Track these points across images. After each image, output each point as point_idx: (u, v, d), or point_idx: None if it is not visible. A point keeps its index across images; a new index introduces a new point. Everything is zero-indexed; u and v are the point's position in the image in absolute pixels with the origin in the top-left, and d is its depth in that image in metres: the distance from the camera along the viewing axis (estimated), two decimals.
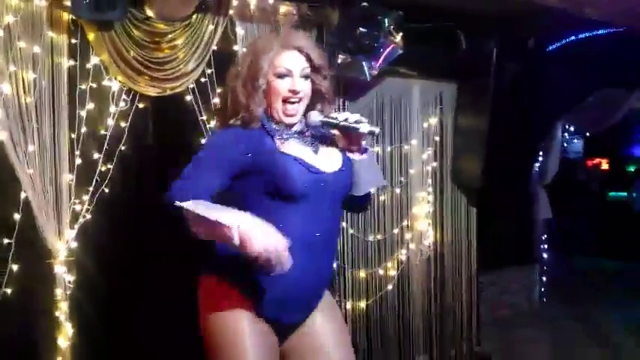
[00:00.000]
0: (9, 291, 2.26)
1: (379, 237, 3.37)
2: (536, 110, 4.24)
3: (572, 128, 5.71)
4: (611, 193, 8.97)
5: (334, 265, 1.81)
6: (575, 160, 9.24)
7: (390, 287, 3.40)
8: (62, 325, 2.37)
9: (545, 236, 5.50)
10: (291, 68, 1.59)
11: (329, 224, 1.64)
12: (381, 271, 3.37)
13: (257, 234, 1.30)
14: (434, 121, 3.58)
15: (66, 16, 2.36)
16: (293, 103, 1.60)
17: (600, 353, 3.84)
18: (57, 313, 2.36)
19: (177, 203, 1.40)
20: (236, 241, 1.30)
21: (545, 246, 5.47)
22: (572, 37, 3.94)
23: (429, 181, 3.58)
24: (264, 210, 1.48)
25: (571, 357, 3.81)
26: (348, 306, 3.23)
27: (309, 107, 1.67)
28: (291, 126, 1.64)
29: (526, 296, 5.21)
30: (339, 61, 2.79)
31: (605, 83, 4.30)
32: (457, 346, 3.75)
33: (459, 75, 3.55)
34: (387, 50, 2.80)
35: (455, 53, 3.37)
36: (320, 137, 1.69)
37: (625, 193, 8.64)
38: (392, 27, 2.82)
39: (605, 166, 10.24)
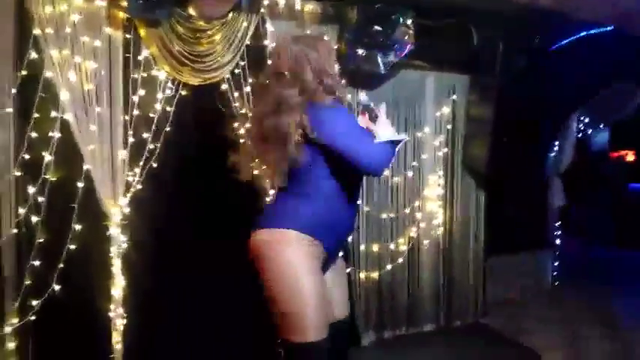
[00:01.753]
0: (72, 247, 2.70)
1: (392, 215, 3.70)
2: (548, 102, 4.44)
3: (586, 119, 5.85)
4: (633, 185, 9.00)
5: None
6: (599, 152, 9.27)
7: (400, 260, 3.73)
8: (115, 278, 2.80)
9: (560, 223, 5.66)
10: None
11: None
12: (392, 246, 3.70)
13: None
14: (446, 110, 3.87)
15: (121, 15, 2.74)
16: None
17: (606, 335, 3.91)
18: (111, 268, 2.79)
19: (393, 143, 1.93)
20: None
21: (559, 232, 5.64)
22: (583, 33, 4.12)
23: (441, 165, 3.88)
24: (338, 171, 1.93)
25: (576, 335, 3.93)
26: (362, 276, 3.58)
27: None
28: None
29: (538, 279, 5.39)
30: (358, 55, 3.12)
31: (615, 77, 4.48)
32: (463, 318, 4.05)
33: (471, 68, 3.82)
34: (401, 46, 3.11)
35: (467, 48, 3.64)
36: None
37: None
38: (406, 24, 3.13)
39: (630, 157, 10.21)
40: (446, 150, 3.88)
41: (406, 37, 3.10)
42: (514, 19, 3.44)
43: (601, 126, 6.64)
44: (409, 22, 3.15)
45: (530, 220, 5.16)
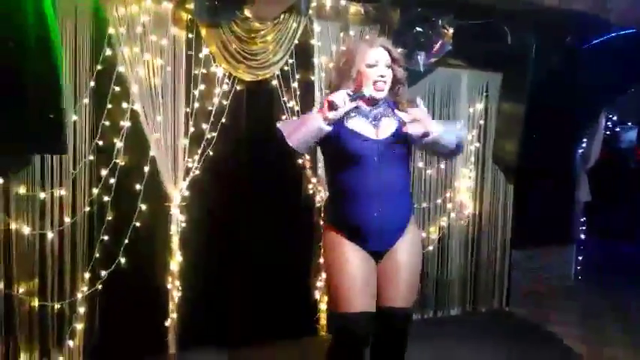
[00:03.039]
0: (138, 224, 3.00)
1: (424, 205, 3.93)
2: (578, 100, 4.56)
3: (615, 117, 5.92)
4: None
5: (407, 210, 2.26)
6: (627, 149, 9.27)
7: (430, 248, 3.96)
8: (174, 254, 3.09)
9: (585, 219, 5.78)
10: (378, 59, 2.15)
11: (389, 177, 2.13)
12: (423, 234, 3.93)
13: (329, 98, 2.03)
14: (479, 106, 4.06)
15: (185, 16, 3.01)
16: (379, 85, 2.16)
17: (623, 328, 4.02)
18: (171, 245, 3.09)
19: (277, 125, 2.12)
20: (325, 108, 2.03)
21: (584, 228, 5.76)
22: (614, 34, 4.24)
23: (472, 159, 4.08)
24: (338, 168, 2.14)
25: (594, 328, 4.03)
26: None
27: (391, 89, 2.23)
28: (376, 102, 2.19)
29: (561, 273, 5.48)
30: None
31: None
32: (488, 303, 4.27)
33: (504, 66, 3.99)
34: (439, 46, 3.32)
35: (501, 47, 3.81)
36: (382, 114, 2.20)
37: None
38: (444, 26, 3.33)
39: None
40: (478, 144, 4.08)
41: (444, 38, 3.30)
42: (547, 19, 3.59)
43: (629, 124, 6.69)
44: (447, 23, 3.35)
45: (556, 215, 5.29)
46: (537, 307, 4.46)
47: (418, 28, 3.26)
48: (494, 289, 4.31)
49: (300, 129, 2.05)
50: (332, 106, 2.02)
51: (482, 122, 4.09)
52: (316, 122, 2.04)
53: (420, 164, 3.88)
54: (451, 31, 3.36)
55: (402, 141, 2.16)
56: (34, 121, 2.34)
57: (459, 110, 3.99)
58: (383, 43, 2.20)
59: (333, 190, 2.22)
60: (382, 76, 2.15)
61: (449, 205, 4.02)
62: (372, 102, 2.19)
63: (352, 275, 2.11)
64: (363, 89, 2.15)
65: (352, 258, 2.13)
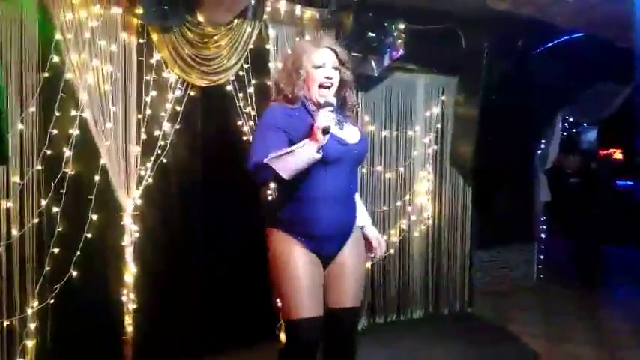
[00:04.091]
0: (89, 235, 2.91)
1: (384, 208, 3.95)
2: (533, 102, 4.68)
3: (571, 119, 6.09)
4: (619, 182, 9.27)
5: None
6: (587, 150, 9.53)
7: (392, 251, 3.98)
8: (128, 265, 3.02)
9: (545, 218, 5.90)
10: (325, 61, 2.11)
11: (350, 182, 2.17)
12: (384, 237, 3.94)
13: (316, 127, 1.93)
14: (436, 110, 4.12)
15: (135, 21, 2.96)
16: (326, 87, 2.11)
17: (588, 326, 4.10)
18: (125, 255, 3.01)
19: (265, 160, 1.93)
20: (318, 137, 1.92)
21: (545, 227, 5.88)
22: (566, 37, 4.37)
23: (430, 162, 4.13)
24: (308, 171, 2.00)
25: (555, 323, 4.12)
26: None
27: (338, 92, 2.17)
28: (319, 106, 2.07)
29: (523, 273, 5.57)
30: (353, 59, 3.35)
31: (596, 78, 4.73)
32: (450, 306, 4.31)
33: (459, 70, 4.07)
34: (392, 51, 3.36)
35: (455, 51, 3.89)
36: (343, 117, 2.20)
37: (632, 183, 8.93)
38: (397, 31, 3.38)
39: (618, 155, 10.48)
40: (435, 147, 4.13)
41: (398, 43, 3.34)
42: (498, 24, 3.68)
43: (584, 125, 6.88)
44: (401, 28, 3.40)
45: (516, 215, 5.38)
46: (499, 307, 4.53)
47: (371, 34, 3.28)
48: (456, 291, 4.35)
49: (293, 162, 1.94)
50: (326, 132, 1.94)
51: (439, 126, 4.15)
52: (310, 153, 1.94)
53: (379, 168, 3.91)
54: (403, 35, 3.41)
55: (365, 148, 2.29)
56: None
57: (415, 114, 4.04)
58: (329, 44, 2.16)
59: (292, 193, 2.10)
60: (329, 78, 2.10)
61: (408, 208, 4.05)
62: (316, 105, 2.11)
63: (303, 281, 2.09)
64: (310, 94, 2.12)
65: (302, 263, 2.11)
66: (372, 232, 2.32)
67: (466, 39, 3.88)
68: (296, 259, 2.11)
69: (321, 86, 2.11)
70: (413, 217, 4.07)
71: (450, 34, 3.81)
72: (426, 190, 4.13)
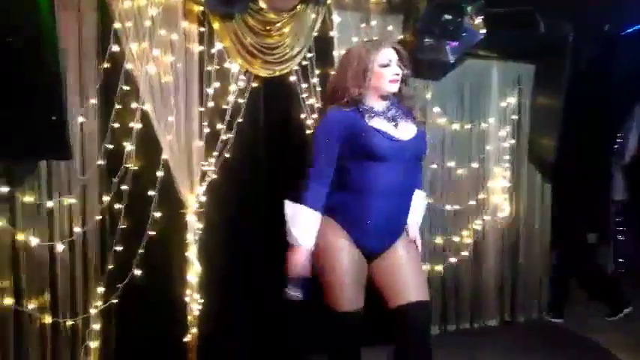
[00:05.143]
0: (152, 233, 2.80)
1: (456, 207, 3.67)
2: (615, 92, 4.30)
3: None
4: None
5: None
6: None
7: (464, 253, 3.69)
8: (191, 264, 2.88)
9: (622, 218, 5.47)
10: (390, 58, 2.19)
11: (405, 179, 2.17)
12: (456, 239, 3.67)
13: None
14: (512, 100, 3.81)
15: (196, 9, 2.82)
16: (395, 82, 2.20)
17: None
18: (187, 254, 2.88)
19: (286, 201, 2.21)
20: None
21: (622, 228, 5.45)
22: None
23: (506, 157, 3.82)
24: (358, 167, 2.13)
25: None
26: (425, 268, 3.56)
27: None
28: (386, 99, 2.22)
29: None
30: (425, 44, 3.11)
31: None
32: (527, 313, 3.97)
33: (538, 57, 3.74)
34: (470, 35, 3.09)
35: (534, 36, 3.57)
36: (399, 115, 2.22)
37: None
38: (473, 13, 3.10)
39: None
40: (512, 141, 3.82)
41: (475, 26, 3.07)
42: (583, 6, 3.36)
43: None
44: (477, 11, 3.12)
45: (592, 215, 5.02)
46: (578, 314, 4.15)
47: (446, 16, 3.03)
48: (532, 297, 4.01)
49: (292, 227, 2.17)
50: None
51: (515, 117, 3.83)
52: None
53: (451, 163, 3.63)
54: (481, 19, 3.14)
55: (422, 144, 2.24)
56: (33, 124, 2.15)
57: (489, 104, 3.74)
58: (391, 42, 2.29)
59: (346, 187, 2.17)
60: (397, 74, 2.20)
61: (483, 208, 3.75)
62: (384, 98, 2.22)
63: (345, 272, 2.14)
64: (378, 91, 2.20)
65: (346, 254, 2.15)
66: (412, 233, 2.34)
67: (546, 23, 3.55)
68: (341, 249, 2.15)
69: (390, 81, 2.20)
70: (487, 217, 3.76)
71: (528, 17, 3.50)
72: (502, 188, 3.80)
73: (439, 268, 3.62)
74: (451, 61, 3.12)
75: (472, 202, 3.72)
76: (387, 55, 2.19)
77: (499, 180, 3.79)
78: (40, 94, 2.12)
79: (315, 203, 2.14)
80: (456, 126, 3.65)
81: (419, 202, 2.36)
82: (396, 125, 2.17)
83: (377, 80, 2.17)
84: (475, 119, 3.70)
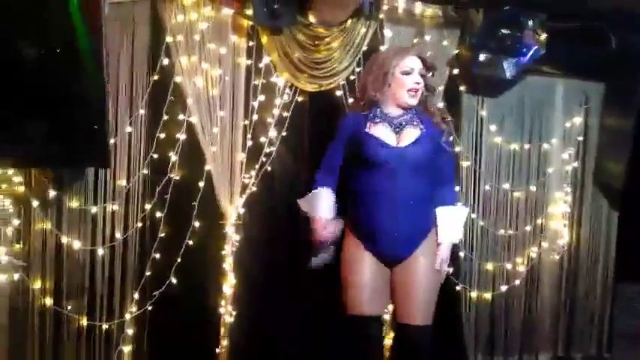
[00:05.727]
0: (190, 242, 2.82)
1: (510, 232, 3.46)
2: None
3: None
4: None
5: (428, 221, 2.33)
6: None
7: (517, 282, 3.47)
8: (227, 275, 2.89)
9: None
10: (413, 66, 2.24)
11: (410, 185, 2.19)
12: (509, 266, 3.46)
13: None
14: (577, 120, 3.56)
15: (246, 23, 2.84)
16: (415, 90, 2.24)
17: None
18: (224, 265, 2.89)
19: (299, 201, 2.50)
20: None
21: None
22: None
23: (569, 180, 3.57)
24: (356, 171, 2.25)
25: None
26: (473, 295, 3.38)
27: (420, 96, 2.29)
28: (408, 108, 2.28)
29: None
30: (480, 59, 2.96)
31: None
32: (584, 350, 3.69)
33: (608, 75, 3.47)
34: (529, 50, 2.90)
35: (604, 52, 3.32)
36: (407, 121, 2.25)
37: None
38: (536, 27, 2.92)
39: None
40: (575, 164, 3.57)
41: (535, 41, 2.88)
42: None
43: None
44: (539, 24, 2.93)
45: None
46: None
47: (504, 31, 2.87)
48: (592, 332, 3.73)
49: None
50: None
51: (580, 138, 3.58)
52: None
53: (506, 185, 3.43)
54: (544, 34, 2.95)
55: (423, 150, 2.21)
56: (75, 133, 2.23)
57: (552, 125, 3.51)
58: (418, 50, 2.35)
59: (349, 194, 2.31)
60: (417, 83, 2.22)
61: (540, 234, 3.52)
62: (403, 108, 2.25)
63: (359, 279, 2.24)
64: (411, 99, 2.25)
65: (360, 261, 2.25)
66: (441, 253, 2.32)
67: (617, 37, 3.29)
68: (356, 258, 2.27)
69: (409, 91, 2.23)
70: (545, 244, 3.53)
71: (597, 31, 3.25)
72: (562, 214, 3.55)
73: (488, 295, 3.42)
74: (508, 78, 2.95)
75: (528, 228, 3.50)
76: (411, 62, 2.22)
77: (559, 205, 3.55)
78: (83, 104, 2.19)
79: (323, 183, 2.37)
80: (514, 146, 3.45)
81: (449, 218, 2.32)
82: (399, 132, 2.21)
83: (397, 87, 2.21)
84: (535, 139, 3.49)
